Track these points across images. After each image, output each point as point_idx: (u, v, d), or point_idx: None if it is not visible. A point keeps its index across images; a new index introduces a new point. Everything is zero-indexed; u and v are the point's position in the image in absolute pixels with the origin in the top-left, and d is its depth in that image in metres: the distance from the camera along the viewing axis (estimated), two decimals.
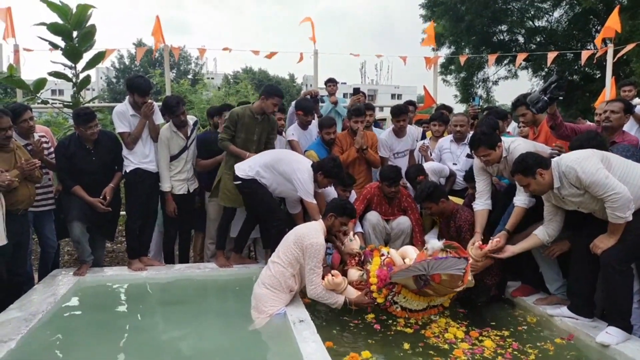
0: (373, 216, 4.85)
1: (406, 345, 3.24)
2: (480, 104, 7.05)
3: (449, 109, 6.65)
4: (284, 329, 3.47)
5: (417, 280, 3.44)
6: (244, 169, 4.44)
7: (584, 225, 3.52)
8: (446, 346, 3.23)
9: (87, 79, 6.13)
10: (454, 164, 5.25)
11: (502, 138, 4.07)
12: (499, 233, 3.85)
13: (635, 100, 6.15)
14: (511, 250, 3.75)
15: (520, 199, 3.85)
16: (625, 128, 4.23)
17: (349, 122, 5.33)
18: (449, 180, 5.24)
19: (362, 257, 4.05)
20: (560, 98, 3.87)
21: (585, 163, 3.17)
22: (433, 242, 3.39)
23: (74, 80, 6.12)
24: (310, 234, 3.68)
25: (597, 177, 3.11)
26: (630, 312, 3.23)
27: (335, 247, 4.25)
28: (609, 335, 3.13)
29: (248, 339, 3.55)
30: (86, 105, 6.08)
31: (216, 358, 3.20)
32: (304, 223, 4.06)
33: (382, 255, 4.01)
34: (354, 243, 4.25)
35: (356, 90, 6.41)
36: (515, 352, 3.16)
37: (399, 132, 5.46)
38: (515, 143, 3.95)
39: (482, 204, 4.15)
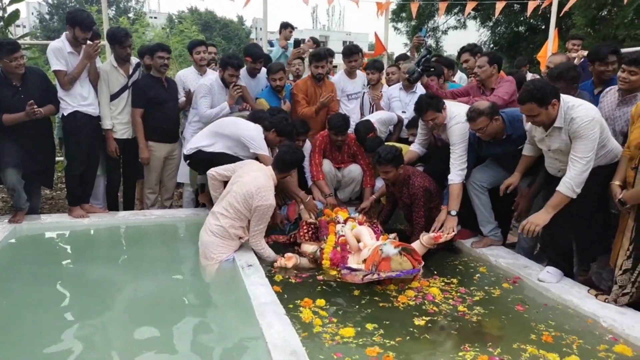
0: (325, 165, 4.95)
1: (356, 292, 3.29)
2: (427, 35, 7.08)
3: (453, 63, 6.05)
4: (233, 273, 3.48)
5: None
6: (188, 147, 4.31)
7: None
8: (394, 293, 3.28)
9: (16, 14, 5.66)
10: (403, 112, 5.27)
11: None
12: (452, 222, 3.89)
13: (580, 53, 6.34)
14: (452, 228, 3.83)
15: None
16: None
17: (310, 67, 5.12)
18: (397, 127, 5.28)
19: (317, 228, 4.05)
20: (432, 70, 4.49)
21: (593, 125, 3.07)
22: (388, 248, 3.20)
23: (0, 14, 5.62)
24: (260, 194, 3.59)
25: (589, 142, 3.08)
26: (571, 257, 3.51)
27: (296, 201, 4.27)
28: (549, 274, 3.39)
29: (197, 285, 3.55)
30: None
31: (164, 305, 3.15)
32: (257, 174, 3.76)
33: (338, 222, 4.05)
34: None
35: (297, 43, 6.24)
36: (461, 294, 3.30)
37: (350, 73, 5.49)
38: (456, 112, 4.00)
39: (457, 174, 3.96)
